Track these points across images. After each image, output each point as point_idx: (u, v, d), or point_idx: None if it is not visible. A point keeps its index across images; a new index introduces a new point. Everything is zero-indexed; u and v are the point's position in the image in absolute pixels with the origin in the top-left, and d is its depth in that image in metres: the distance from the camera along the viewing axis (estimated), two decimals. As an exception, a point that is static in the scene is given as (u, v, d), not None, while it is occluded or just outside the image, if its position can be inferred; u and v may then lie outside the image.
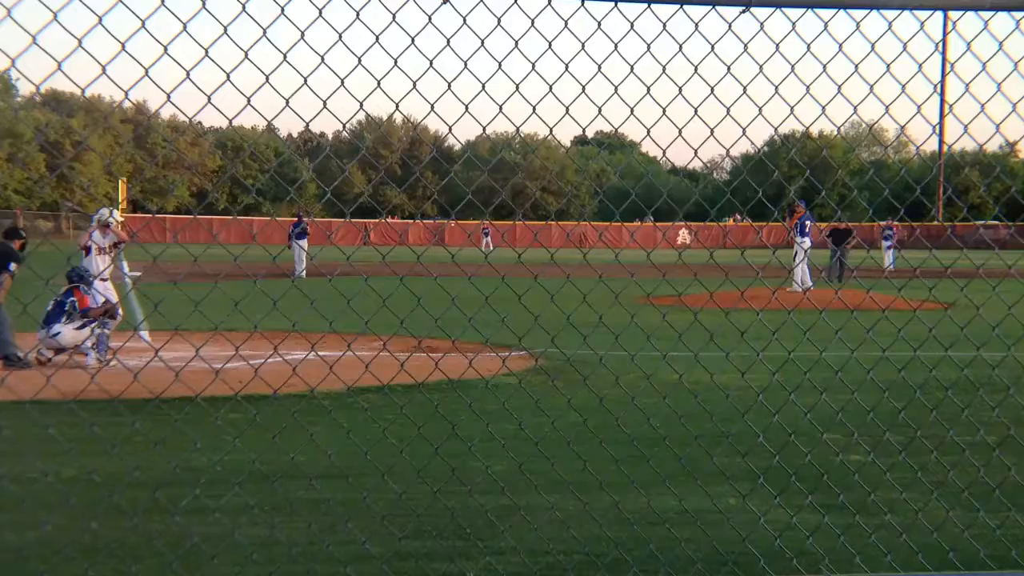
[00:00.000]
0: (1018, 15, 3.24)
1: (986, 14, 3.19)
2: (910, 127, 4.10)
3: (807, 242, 25.03)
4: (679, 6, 2.84)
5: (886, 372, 7.00)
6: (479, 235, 59.02)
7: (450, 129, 3.13)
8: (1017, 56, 3.51)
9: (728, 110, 3.25)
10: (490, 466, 6.47)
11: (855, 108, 3.43)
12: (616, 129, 3.46)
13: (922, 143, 4.91)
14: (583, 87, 3.03)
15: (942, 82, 5.33)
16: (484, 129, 3.13)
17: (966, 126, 3.68)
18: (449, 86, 2.99)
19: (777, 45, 3.12)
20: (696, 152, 3.34)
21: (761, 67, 3.19)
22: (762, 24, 3.05)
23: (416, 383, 6.90)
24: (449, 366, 5.88)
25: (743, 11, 2.86)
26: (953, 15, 3.33)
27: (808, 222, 24.63)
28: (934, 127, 4.53)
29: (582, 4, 2.81)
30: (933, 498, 6.17)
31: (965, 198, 70.87)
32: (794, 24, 3.08)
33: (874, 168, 73.94)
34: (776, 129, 3.54)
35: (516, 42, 2.91)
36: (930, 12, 3.20)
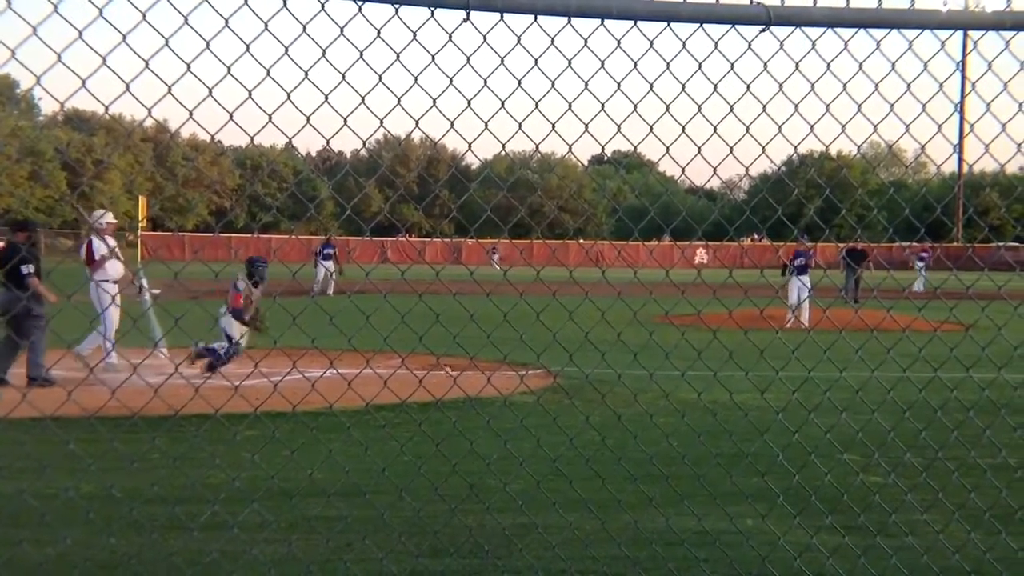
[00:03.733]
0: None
1: (1007, 34, 3.18)
2: (929, 147, 4.10)
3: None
4: (699, 25, 2.85)
5: (906, 392, 6.95)
6: (486, 254, 58.99)
7: (469, 146, 3.14)
8: (1038, 75, 3.50)
9: (748, 128, 3.25)
10: (507, 484, 6.46)
11: (875, 128, 3.43)
12: (635, 148, 3.47)
13: (942, 163, 4.89)
14: (603, 105, 3.04)
15: (961, 102, 5.32)
16: (504, 147, 3.15)
17: (987, 146, 3.67)
18: (469, 103, 3.00)
19: (797, 64, 3.12)
20: (715, 171, 3.35)
21: (781, 86, 3.20)
22: (782, 43, 3.06)
23: (434, 400, 6.90)
24: (467, 383, 5.88)
25: (763, 30, 2.87)
26: (973, 35, 3.33)
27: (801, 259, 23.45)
28: (954, 147, 4.52)
29: (602, 23, 2.82)
30: (954, 520, 6.11)
31: (986, 219, 70.53)
32: (814, 43, 3.08)
33: (893, 188, 73.68)
34: (796, 148, 3.55)
35: (536, 60, 2.92)
36: (950, 32, 3.20)
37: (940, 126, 3.51)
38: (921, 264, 38.54)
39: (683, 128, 3.23)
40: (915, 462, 7.25)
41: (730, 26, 2.86)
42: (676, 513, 6.37)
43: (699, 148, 3.19)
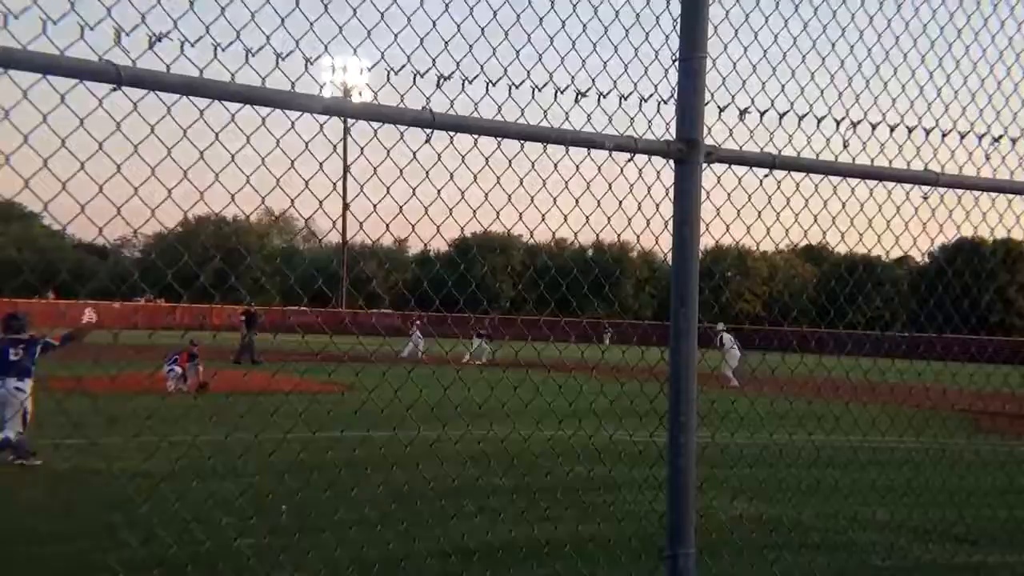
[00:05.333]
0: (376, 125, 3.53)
1: (377, 124, 3.43)
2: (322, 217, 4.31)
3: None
4: (42, 76, 2.63)
5: (288, 454, 7.12)
6: None
7: None
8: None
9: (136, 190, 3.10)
10: None
11: (263, 199, 3.46)
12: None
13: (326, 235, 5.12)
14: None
15: (344, 181, 5.66)
16: None
17: (361, 223, 3.91)
18: None
19: (152, 128, 3.03)
20: (101, 230, 3.13)
21: (136, 148, 3.08)
22: (136, 104, 2.96)
23: None
24: None
25: (114, 89, 2.74)
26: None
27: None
28: (334, 222, 4.74)
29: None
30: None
31: (368, 286, 76.21)
32: (169, 109, 3.02)
33: (283, 256, 76.55)
34: (186, 212, 3.44)
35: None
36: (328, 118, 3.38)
37: (321, 202, 3.66)
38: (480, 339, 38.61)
39: (63, 185, 2.94)
40: (290, 523, 7.43)
41: (77, 81, 2.69)
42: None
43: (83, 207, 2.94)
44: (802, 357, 5.69)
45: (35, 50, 2.62)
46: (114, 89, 2.74)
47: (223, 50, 3.01)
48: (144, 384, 18.01)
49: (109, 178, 3.02)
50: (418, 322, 40.76)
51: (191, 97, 2.93)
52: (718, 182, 3.97)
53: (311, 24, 3.24)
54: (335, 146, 3.93)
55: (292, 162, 3.47)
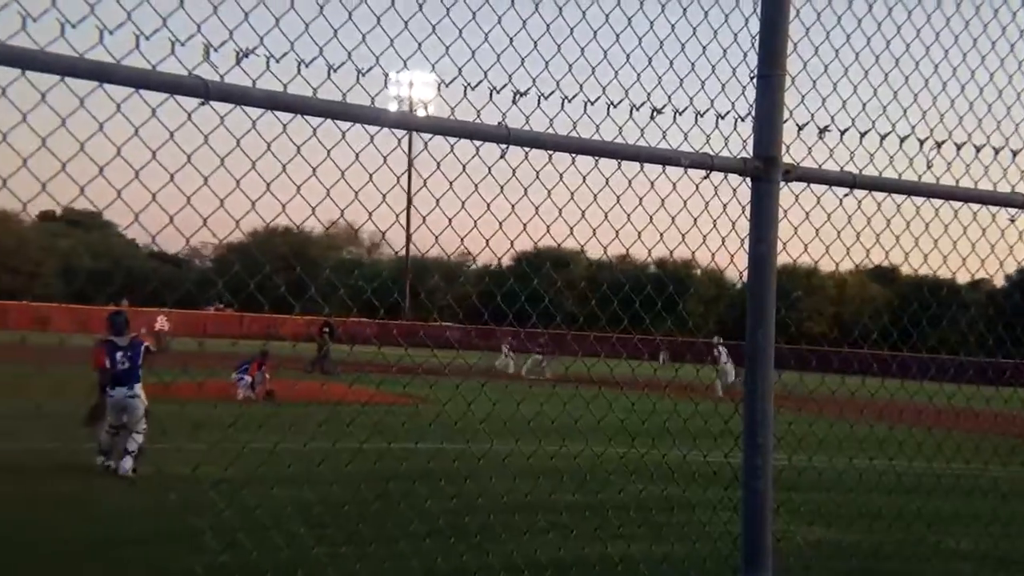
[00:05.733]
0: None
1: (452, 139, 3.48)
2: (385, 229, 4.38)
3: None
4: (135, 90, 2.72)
5: (336, 464, 7.20)
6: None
7: None
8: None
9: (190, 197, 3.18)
10: None
11: (342, 212, 3.52)
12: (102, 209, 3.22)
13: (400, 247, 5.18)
14: (63, 164, 2.76)
15: (409, 195, 5.74)
16: None
17: (410, 235, 3.97)
18: None
19: (238, 141, 3.11)
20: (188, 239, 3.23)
21: (254, 163, 3.18)
22: (223, 118, 3.04)
23: None
24: None
25: (201, 103, 2.82)
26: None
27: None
28: (383, 234, 4.83)
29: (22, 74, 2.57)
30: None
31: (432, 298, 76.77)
32: (254, 123, 3.10)
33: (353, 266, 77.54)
34: (238, 223, 3.52)
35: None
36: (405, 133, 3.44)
37: (397, 215, 3.72)
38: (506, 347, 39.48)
39: (153, 196, 3.04)
40: (366, 532, 7.52)
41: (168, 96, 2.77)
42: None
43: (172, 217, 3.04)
44: (883, 381, 5.57)
45: (129, 65, 2.70)
46: (202, 103, 2.82)
47: (306, 66, 3.08)
48: (221, 391, 18.40)
49: (196, 190, 3.10)
50: (511, 338, 40.48)
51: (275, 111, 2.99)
52: (796, 201, 3.92)
53: (391, 40, 3.30)
54: (411, 161, 3.97)
55: (370, 176, 3.51)
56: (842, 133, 3.96)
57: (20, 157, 2.74)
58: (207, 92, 2.79)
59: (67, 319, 55.39)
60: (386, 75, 3.38)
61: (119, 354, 11.73)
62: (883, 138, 4.06)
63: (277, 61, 3.04)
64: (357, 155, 3.43)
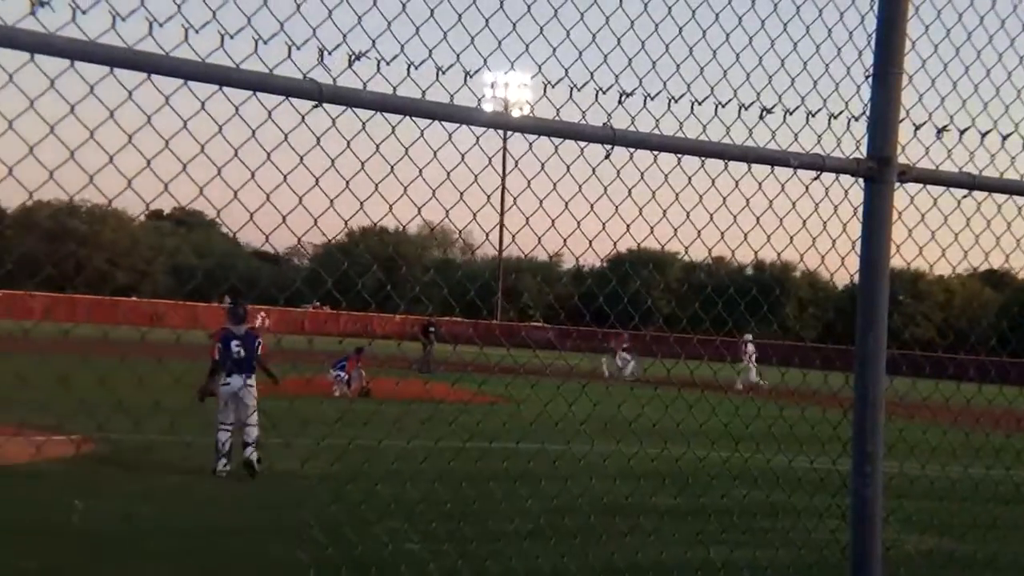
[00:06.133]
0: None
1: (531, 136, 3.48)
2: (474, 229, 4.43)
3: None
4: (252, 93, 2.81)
5: (438, 461, 7.28)
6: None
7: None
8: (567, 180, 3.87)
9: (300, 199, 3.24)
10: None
11: (447, 212, 3.57)
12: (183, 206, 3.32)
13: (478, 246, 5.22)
14: (148, 162, 2.86)
15: (502, 196, 5.77)
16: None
17: (513, 236, 3.98)
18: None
19: (348, 142, 3.18)
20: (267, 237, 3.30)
21: (333, 162, 3.24)
22: (334, 120, 3.11)
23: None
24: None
25: (315, 106, 2.89)
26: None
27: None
28: (487, 234, 4.85)
29: (148, 77, 2.67)
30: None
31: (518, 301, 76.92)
32: (364, 124, 3.17)
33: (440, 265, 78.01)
34: (347, 222, 3.60)
35: (112, 112, 2.69)
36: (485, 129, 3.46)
37: (475, 213, 3.74)
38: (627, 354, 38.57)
39: (235, 193, 3.13)
40: (467, 530, 7.59)
41: (283, 98, 2.85)
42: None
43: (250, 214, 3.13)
44: (1001, 388, 5.37)
45: (248, 69, 2.78)
46: (316, 106, 2.89)
47: (416, 68, 3.12)
48: (320, 388, 18.70)
49: (308, 191, 3.16)
50: (626, 344, 39.00)
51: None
52: (911, 202, 3.81)
53: (499, 43, 3.33)
54: (517, 162, 3.97)
55: (476, 177, 3.55)
56: (961, 133, 3.83)
57: (144, 158, 2.85)
58: (321, 95, 2.85)
59: (178, 315, 57.20)
60: (493, 82, 3.40)
61: (234, 343, 11.75)
62: (1005, 138, 3.92)
63: (388, 63, 3.09)
64: (463, 156, 3.47)
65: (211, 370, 11.89)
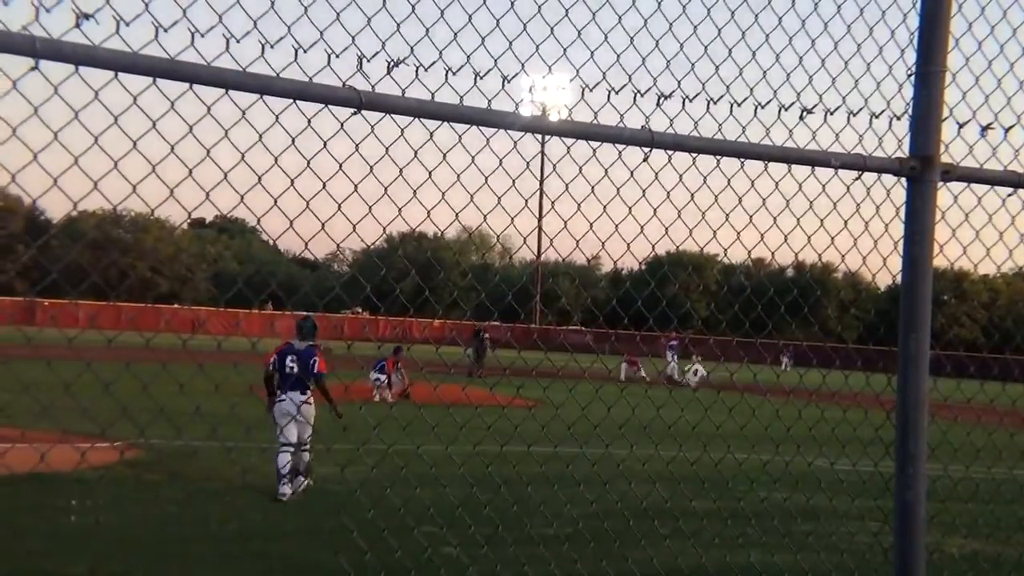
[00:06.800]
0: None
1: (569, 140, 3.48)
2: (511, 236, 4.44)
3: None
4: (292, 101, 2.83)
5: (477, 466, 7.26)
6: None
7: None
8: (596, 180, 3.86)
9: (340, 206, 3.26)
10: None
11: (485, 217, 3.57)
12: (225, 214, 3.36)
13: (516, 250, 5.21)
14: (190, 171, 2.89)
15: (540, 199, 5.76)
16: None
17: (551, 239, 3.97)
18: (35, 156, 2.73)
19: (387, 148, 3.20)
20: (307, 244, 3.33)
21: (372, 168, 3.25)
22: (373, 127, 3.13)
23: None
24: (17, 459, 5.30)
25: (354, 113, 2.91)
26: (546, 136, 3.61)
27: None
28: (524, 239, 4.85)
29: (190, 87, 2.70)
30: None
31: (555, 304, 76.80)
32: (403, 131, 3.18)
33: (479, 271, 78.14)
34: (385, 228, 3.61)
35: (155, 122, 2.73)
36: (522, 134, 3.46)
37: (512, 218, 3.74)
38: (671, 352, 38.68)
39: (275, 201, 3.16)
40: (506, 534, 7.60)
41: (323, 106, 2.87)
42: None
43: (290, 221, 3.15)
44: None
45: (288, 77, 2.80)
46: (354, 113, 2.91)
47: (454, 74, 3.13)
48: (362, 393, 18.75)
49: (347, 197, 3.19)
50: (674, 342, 38.42)
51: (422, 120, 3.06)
52: (955, 201, 3.76)
53: (536, 47, 3.33)
54: (554, 166, 3.96)
55: (513, 181, 3.55)
56: (1006, 131, 3.78)
57: (186, 167, 2.88)
58: (360, 102, 2.87)
59: (219, 322, 57.75)
60: (532, 85, 3.40)
61: (289, 357, 11.05)
62: (1049, 135, 3.86)
63: (426, 70, 3.10)
64: (501, 160, 3.48)
65: (264, 378, 11.17)
